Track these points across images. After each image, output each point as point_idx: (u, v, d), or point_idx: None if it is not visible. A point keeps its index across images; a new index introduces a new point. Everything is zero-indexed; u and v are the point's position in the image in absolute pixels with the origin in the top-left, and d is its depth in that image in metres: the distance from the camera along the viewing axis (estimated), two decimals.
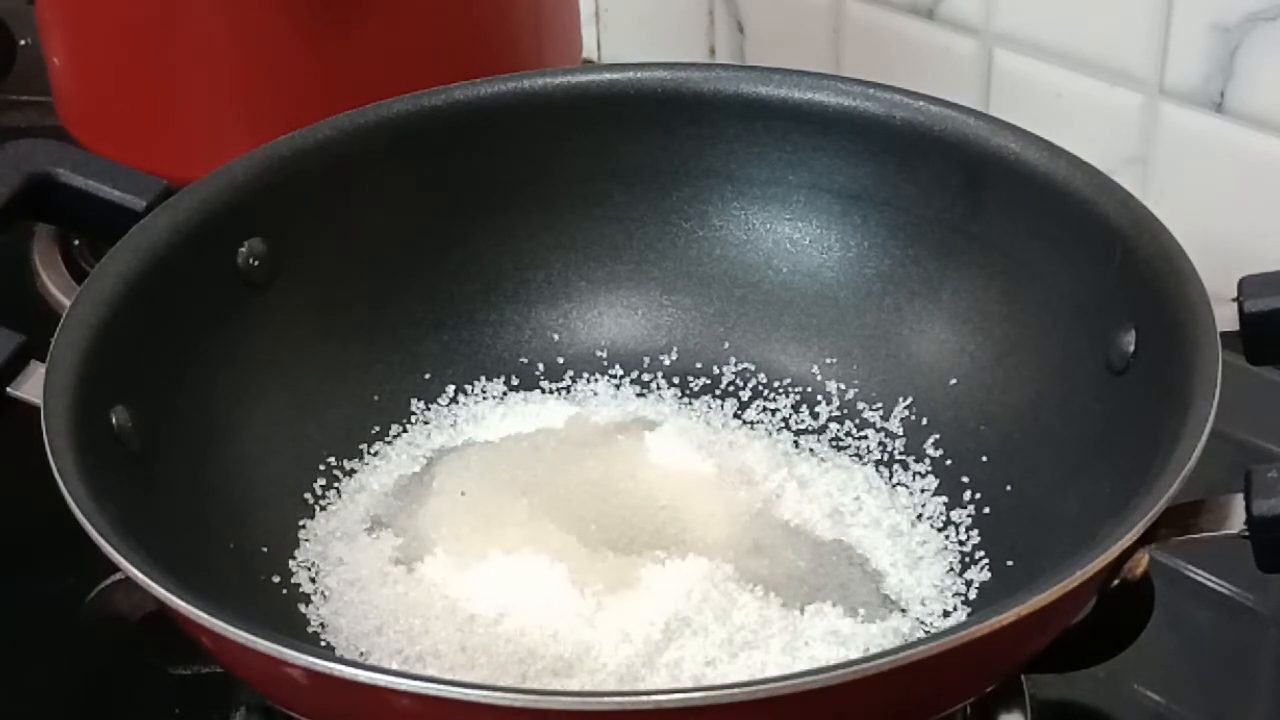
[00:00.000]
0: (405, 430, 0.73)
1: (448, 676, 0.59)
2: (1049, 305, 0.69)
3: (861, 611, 0.64)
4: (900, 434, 0.72)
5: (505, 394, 0.75)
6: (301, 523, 0.68)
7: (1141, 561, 0.65)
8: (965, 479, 0.69)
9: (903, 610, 0.64)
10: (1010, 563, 0.65)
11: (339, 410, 0.72)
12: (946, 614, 0.64)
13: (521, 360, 0.76)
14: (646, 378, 0.75)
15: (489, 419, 0.73)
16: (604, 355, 0.76)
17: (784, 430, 0.73)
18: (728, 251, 0.76)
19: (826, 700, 0.51)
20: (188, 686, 0.67)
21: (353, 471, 0.71)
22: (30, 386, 0.63)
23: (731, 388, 0.75)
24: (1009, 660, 0.58)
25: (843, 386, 0.74)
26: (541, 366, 0.76)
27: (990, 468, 0.69)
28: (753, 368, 0.75)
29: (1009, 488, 0.68)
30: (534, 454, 0.69)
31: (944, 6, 0.89)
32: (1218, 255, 0.69)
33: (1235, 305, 0.63)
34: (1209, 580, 0.69)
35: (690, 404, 0.74)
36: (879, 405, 0.73)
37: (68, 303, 0.65)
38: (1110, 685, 0.66)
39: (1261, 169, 0.81)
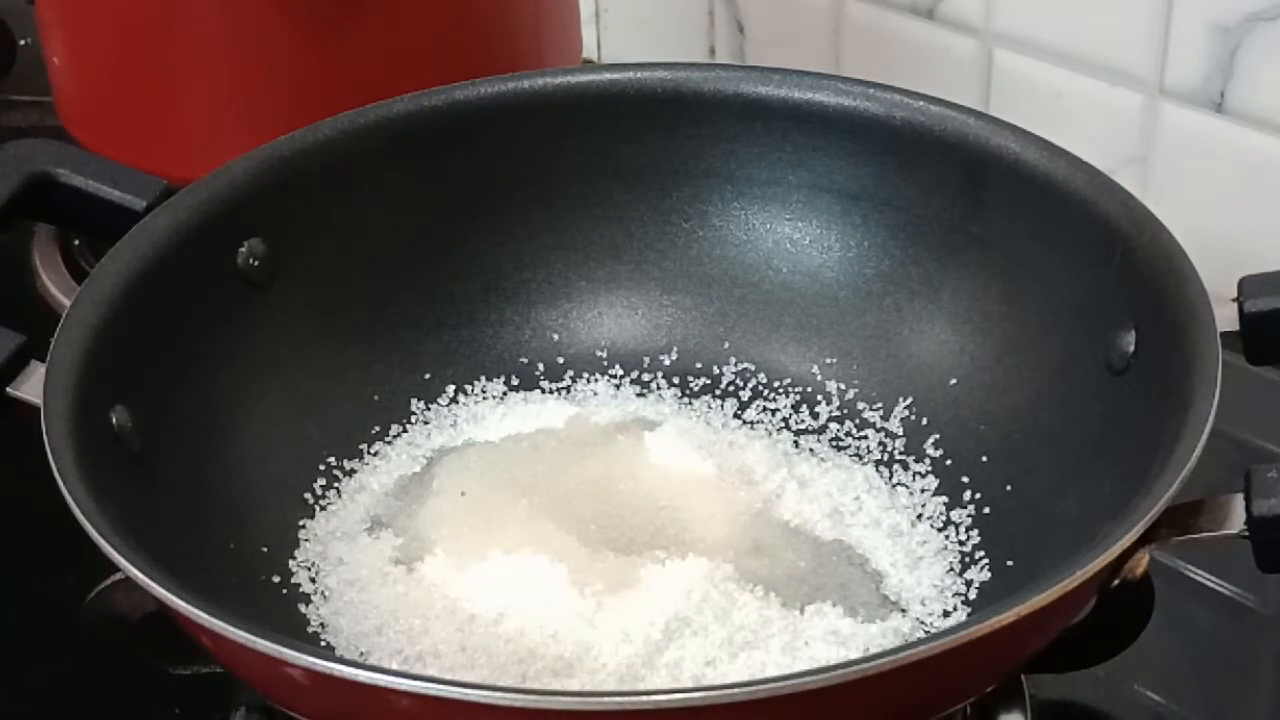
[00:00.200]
0: (405, 430, 0.73)
1: (448, 676, 0.59)
2: (1049, 305, 0.69)
3: (861, 611, 0.64)
4: (900, 434, 0.72)
5: (505, 394, 0.75)
6: (301, 523, 0.68)
7: (1141, 561, 0.65)
8: (965, 479, 0.69)
9: (903, 610, 0.64)
10: (1010, 563, 0.65)
11: (339, 410, 0.72)
12: (946, 614, 0.64)
13: (521, 360, 0.76)
14: (646, 378, 0.75)
15: (489, 419, 0.73)
16: (604, 355, 0.76)
17: (784, 430, 0.73)
18: (728, 251, 0.76)
19: (826, 700, 0.51)
20: (188, 686, 0.67)
21: (353, 471, 0.71)
22: (30, 386, 0.63)
23: (731, 388, 0.75)
24: (1009, 660, 0.58)
25: (843, 386, 0.74)
26: (541, 366, 0.76)
27: (990, 468, 0.69)
28: (753, 368, 0.75)
29: (1009, 488, 0.68)
30: (534, 454, 0.69)
31: (944, 6, 0.89)
32: (1218, 255, 0.69)
33: (1235, 305, 0.63)
34: (1209, 580, 0.69)
35: (690, 404, 0.74)
36: (879, 405, 0.73)
37: (68, 303, 0.65)
38: (1110, 685, 0.66)
39: (1261, 169, 0.81)
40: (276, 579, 0.66)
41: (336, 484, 0.70)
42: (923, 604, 0.65)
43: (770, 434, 0.72)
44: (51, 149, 0.72)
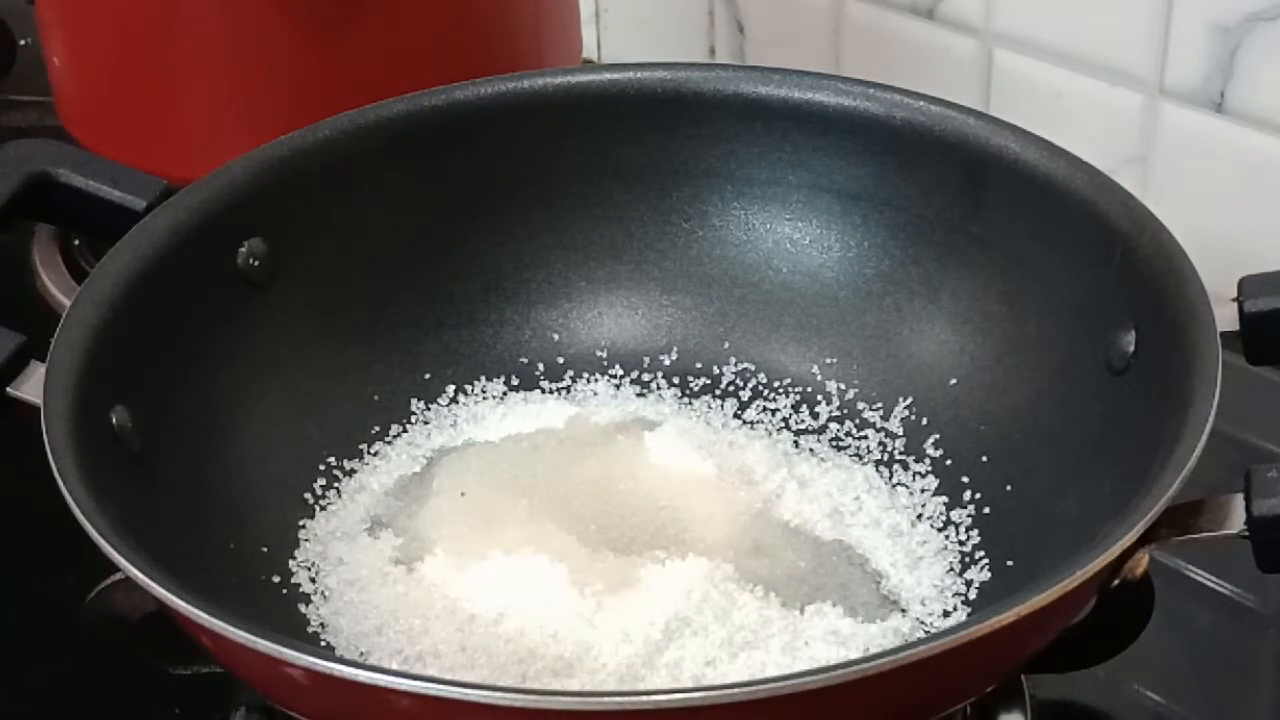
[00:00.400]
0: (405, 430, 0.73)
1: (448, 676, 0.59)
2: (1049, 305, 0.69)
3: (861, 611, 0.64)
4: (900, 434, 0.72)
5: (505, 394, 0.75)
6: (301, 523, 0.68)
7: (1141, 561, 0.65)
8: (965, 479, 0.69)
9: (903, 610, 0.64)
10: (1010, 563, 0.65)
11: (339, 410, 0.72)
12: (946, 614, 0.64)
13: (521, 360, 0.76)
14: (646, 378, 0.75)
15: (489, 419, 0.73)
16: (604, 355, 0.76)
17: (784, 430, 0.73)
18: (728, 251, 0.76)
19: (826, 700, 0.51)
20: (188, 686, 0.67)
21: (353, 471, 0.71)
22: (30, 386, 0.63)
23: (731, 388, 0.75)
24: (1009, 660, 0.58)
25: (843, 386, 0.74)
26: (541, 366, 0.76)
27: (990, 468, 0.69)
28: (753, 368, 0.75)
29: (1009, 488, 0.68)
30: (534, 454, 0.70)
31: (944, 6, 0.89)
32: (1218, 255, 0.69)
33: (1235, 305, 0.63)
34: (1209, 580, 0.69)
35: (690, 404, 0.74)
36: (879, 405, 0.73)
37: (68, 303, 0.65)
38: (1110, 685, 0.66)
39: (1261, 169, 0.81)
40: (276, 579, 0.66)
41: (336, 484, 0.70)
42: (923, 604, 0.65)
43: (770, 434, 0.72)
44: (51, 149, 0.72)
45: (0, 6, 1.03)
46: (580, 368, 0.76)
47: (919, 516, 0.68)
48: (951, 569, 0.66)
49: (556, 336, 0.76)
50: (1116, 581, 0.59)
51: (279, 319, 0.71)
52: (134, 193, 0.70)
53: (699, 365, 0.76)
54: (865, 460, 0.71)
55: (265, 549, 0.67)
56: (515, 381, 0.75)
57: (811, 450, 0.72)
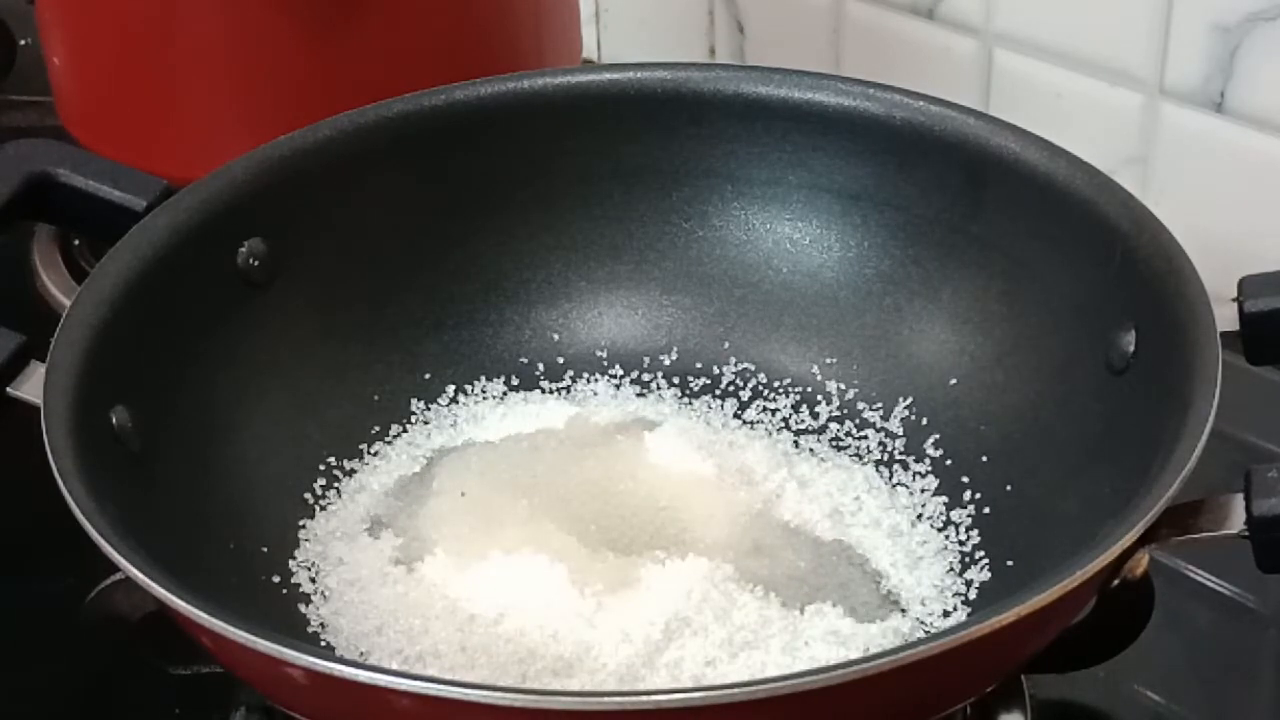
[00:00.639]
0: (405, 430, 0.73)
1: (448, 676, 0.59)
2: (1049, 305, 0.69)
3: (861, 611, 0.64)
4: (900, 434, 0.72)
5: (505, 394, 0.75)
6: (301, 523, 0.68)
7: (1141, 561, 0.65)
8: (965, 479, 0.69)
9: (903, 610, 0.64)
10: (1010, 563, 0.65)
11: (339, 410, 0.72)
12: (946, 614, 0.64)
13: (521, 360, 0.76)
14: (646, 378, 0.75)
15: (489, 419, 0.73)
16: (604, 355, 0.76)
17: (784, 430, 0.73)
18: (728, 251, 0.76)
19: (826, 700, 0.51)
20: (188, 686, 0.67)
21: (353, 471, 0.71)
22: (30, 386, 0.63)
23: (731, 388, 0.75)
24: (1009, 660, 0.58)
25: (843, 386, 0.74)
26: (541, 366, 0.76)
27: (990, 468, 0.69)
28: (753, 368, 0.75)
29: (1009, 488, 0.68)
30: (534, 454, 0.70)
31: (944, 6, 0.89)
32: (1218, 255, 0.69)
33: (1235, 305, 0.63)
34: (1209, 580, 0.69)
35: (690, 404, 0.74)
36: (879, 405, 0.73)
37: (68, 303, 0.65)
38: (1110, 685, 0.66)
39: (1261, 169, 0.81)
40: (276, 579, 0.66)
41: (336, 484, 0.70)
42: (923, 604, 0.65)
43: (770, 434, 0.72)
44: (51, 149, 0.72)
45: (0, 6, 1.03)
46: (580, 368, 0.76)
47: (919, 516, 0.68)
48: (951, 569, 0.66)
49: (556, 336, 0.76)
50: (1116, 581, 0.59)
51: (279, 319, 0.71)
52: (134, 193, 0.70)
53: (699, 365, 0.76)
54: (865, 460, 0.71)
55: (265, 549, 0.67)
56: (515, 381, 0.75)
57: (811, 450, 0.72)
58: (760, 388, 0.74)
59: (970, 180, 0.71)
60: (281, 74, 0.80)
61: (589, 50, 1.02)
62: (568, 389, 0.75)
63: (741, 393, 0.74)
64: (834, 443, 0.72)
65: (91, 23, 0.84)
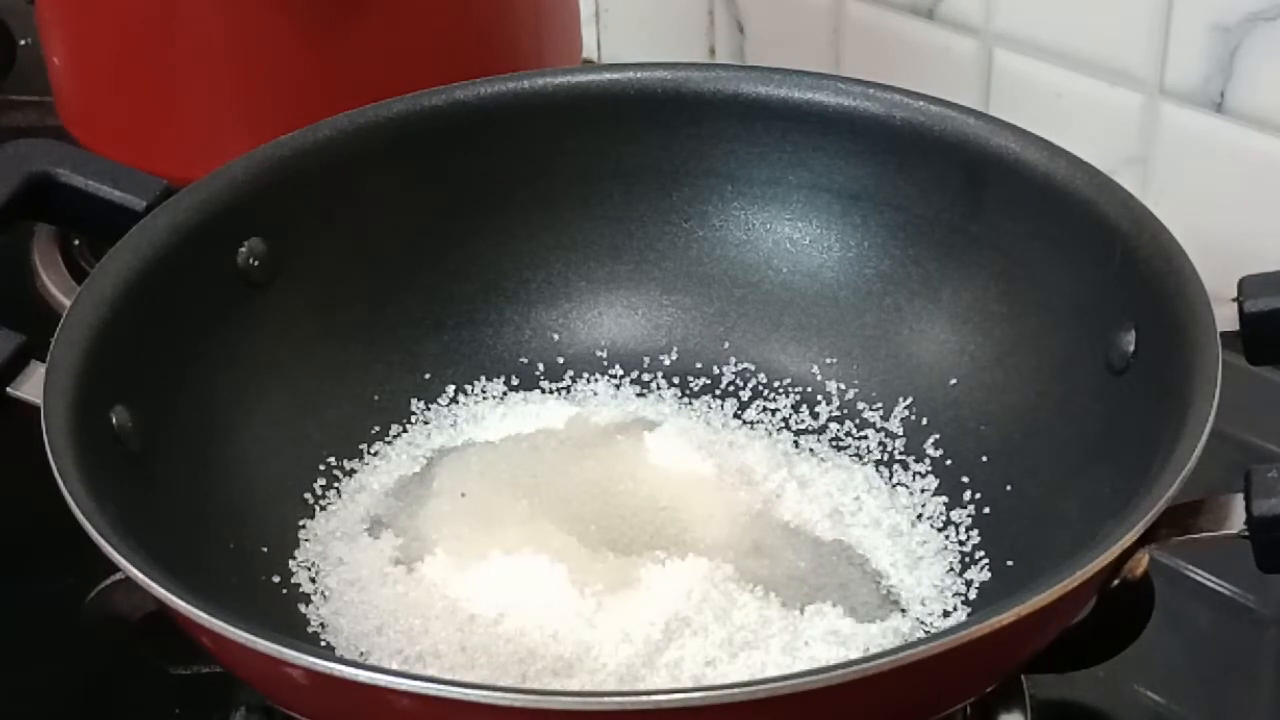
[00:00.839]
0: (405, 430, 0.73)
1: (448, 676, 0.59)
2: (1049, 305, 0.69)
3: (861, 611, 0.64)
4: (900, 434, 0.72)
5: (505, 394, 0.75)
6: (301, 523, 0.68)
7: (1141, 561, 0.65)
8: (965, 479, 0.69)
9: (903, 610, 0.64)
10: (1010, 563, 0.65)
11: (339, 410, 0.72)
12: (946, 614, 0.64)
13: (521, 360, 0.76)
14: (646, 378, 0.75)
15: (489, 419, 0.73)
16: (604, 355, 0.76)
17: (784, 430, 0.73)
18: (728, 251, 0.76)
19: (826, 700, 0.51)
20: (188, 686, 0.67)
21: (353, 471, 0.71)
22: (30, 386, 0.63)
23: (731, 388, 0.75)
24: (1009, 660, 0.58)
25: (843, 386, 0.74)
26: (541, 366, 0.76)
27: (990, 468, 0.69)
28: (753, 368, 0.75)
29: (1009, 488, 0.68)
30: (534, 454, 0.70)
31: (944, 6, 0.89)
32: (1218, 255, 0.69)
33: (1235, 305, 0.63)
34: (1209, 580, 0.69)
35: (690, 404, 0.74)
36: (879, 405, 0.73)
37: (68, 303, 0.65)
38: (1110, 685, 0.66)
39: (1261, 169, 0.81)
40: (276, 579, 0.66)
41: (336, 484, 0.70)
42: (923, 604, 0.65)
43: (770, 434, 0.72)
44: (51, 149, 0.72)
45: (0, 6, 1.03)
46: (580, 368, 0.76)
47: (919, 516, 0.68)
48: (951, 569, 0.66)
49: (556, 336, 0.76)
50: (1116, 581, 0.59)
51: (279, 319, 0.71)
52: (134, 193, 0.70)
53: (699, 365, 0.76)
54: (865, 460, 0.71)
55: (265, 549, 0.67)
56: (515, 381, 0.75)
57: (811, 450, 0.72)
58: (760, 388, 0.74)
59: (970, 180, 0.71)
60: (281, 74, 0.80)
61: (589, 50, 1.02)
62: (568, 389, 0.75)
63: (741, 393, 0.74)
64: (834, 443, 0.72)
65: (91, 23, 0.84)
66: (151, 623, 0.64)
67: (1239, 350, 0.64)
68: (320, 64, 0.80)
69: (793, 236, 0.75)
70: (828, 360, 0.74)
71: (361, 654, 0.62)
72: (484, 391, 0.75)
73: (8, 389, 0.63)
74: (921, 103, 0.72)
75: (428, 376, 0.74)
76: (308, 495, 0.70)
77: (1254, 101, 0.81)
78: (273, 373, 0.71)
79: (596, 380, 0.75)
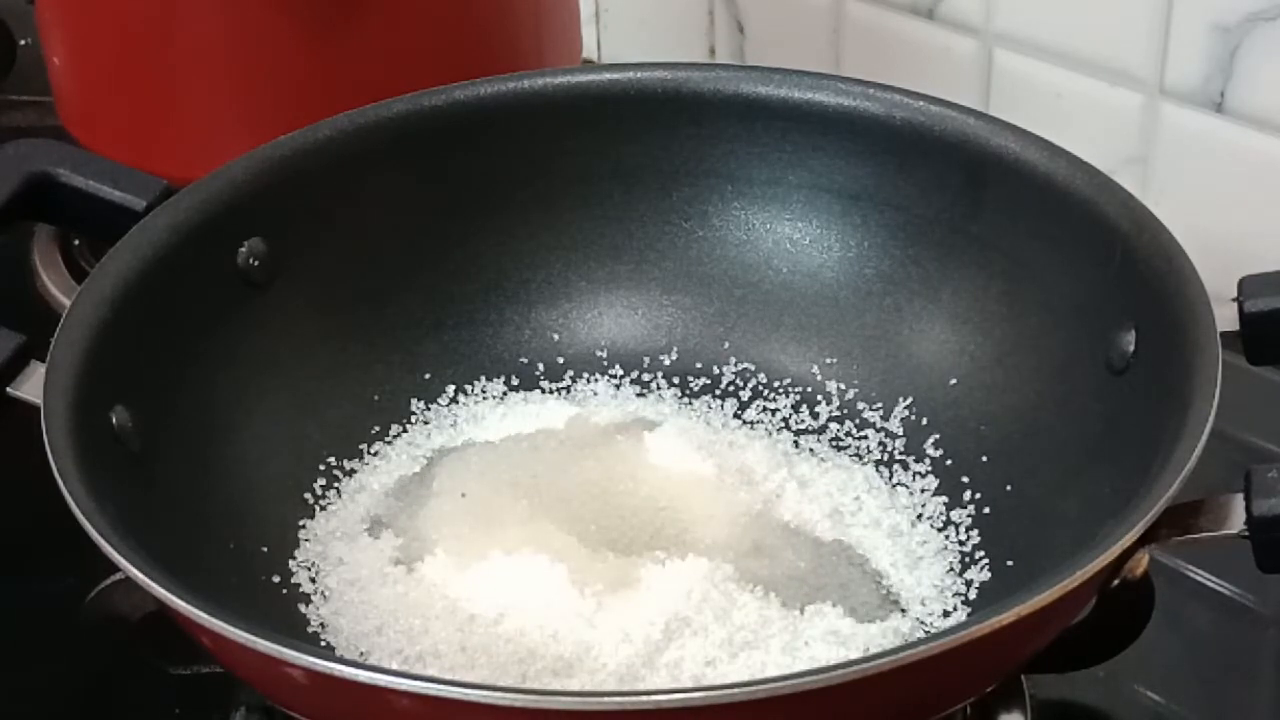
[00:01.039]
0: (405, 430, 0.73)
1: (448, 676, 0.59)
2: (1049, 305, 0.69)
3: (861, 611, 0.64)
4: (900, 434, 0.72)
5: (505, 394, 0.75)
6: (301, 523, 0.68)
7: (1141, 561, 0.65)
8: (965, 479, 0.69)
9: (903, 610, 0.64)
10: (1010, 563, 0.65)
11: (339, 410, 0.72)
12: (946, 614, 0.64)
13: (521, 360, 0.76)
14: (646, 378, 0.75)
15: (489, 419, 0.73)
16: (604, 355, 0.76)
17: (784, 430, 0.73)
18: (728, 251, 0.76)
19: (826, 700, 0.51)
20: (188, 686, 0.67)
21: (353, 471, 0.71)
22: (30, 386, 0.63)
23: (731, 388, 0.75)
24: (1009, 660, 0.58)
25: (843, 386, 0.74)
26: (541, 366, 0.76)
27: (990, 468, 0.69)
28: (753, 368, 0.75)
29: (1009, 488, 0.68)
30: (534, 454, 0.70)
31: (944, 6, 0.89)
32: (1218, 255, 0.69)
33: (1235, 305, 0.63)
34: (1209, 580, 0.69)
35: (690, 404, 0.74)
36: (879, 405, 0.73)
37: (68, 303, 0.65)
38: (1110, 685, 0.66)
39: (1261, 169, 0.81)
40: (276, 579, 0.66)
41: (336, 484, 0.70)
42: (923, 604, 0.65)
43: (770, 434, 0.72)
44: (51, 149, 0.72)
45: (0, 6, 1.03)
46: (580, 368, 0.76)
47: (919, 516, 0.68)
48: (951, 569, 0.66)
49: (556, 336, 0.76)
50: (1116, 581, 0.59)
51: (279, 319, 0.71)
52: (134, 193, 0.70)
53: (699, 365, 0.76)
54: (865, 460, 0.71)
55: (265, 549, 0.67)
56: (515, 381, 0.75)
57: (811, 450, 0.72)
58: (760, 388, 0.74)
59: (970, 180, 0.71)
60: (281, 74, 0.80)
61: (589, 50, 1.02)
62: (568, 389, 0.75)
63: (741, 393, 0.74)
64: (834, 443, 0.72)
65: (91, 23, 0.84)
66: (151, 623, 0.64)
67: (1239, 350, 0.64)
68: (320, 64, 0.80)
69: (793, 236, 0.75)
70: (828, 360, 0.74)
71: (361, 654, 0.62)
72: (484, 391, 0.75)
73: (8, 389, 0.63)
74: (921, 103, 0.72)
75: (428, 376, 0.74)
76: (308, 495, 0.70)
77: (1254, 101, 0.81)
78: (273, 373, 0.71)
79: (596, 380, 0.75)
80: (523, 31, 0.86)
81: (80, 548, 0.56)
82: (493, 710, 0.51)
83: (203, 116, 0.82)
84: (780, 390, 0.74)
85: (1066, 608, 0.56)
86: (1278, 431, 0.76)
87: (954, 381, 0.71)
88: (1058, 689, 0.65)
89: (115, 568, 0.55)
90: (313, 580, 0.66)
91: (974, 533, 0.67)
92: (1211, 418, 0.57)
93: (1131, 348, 0.64)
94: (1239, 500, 0.56)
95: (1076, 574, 0.53)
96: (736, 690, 0.51)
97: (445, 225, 0.75)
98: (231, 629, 0.52)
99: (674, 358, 0.76)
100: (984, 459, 0.69)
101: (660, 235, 0.76)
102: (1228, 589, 0.69)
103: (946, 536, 0.67)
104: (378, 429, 0.73)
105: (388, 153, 0.74)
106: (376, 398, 0.73)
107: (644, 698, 0.52)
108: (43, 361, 0.62)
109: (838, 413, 0.73)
